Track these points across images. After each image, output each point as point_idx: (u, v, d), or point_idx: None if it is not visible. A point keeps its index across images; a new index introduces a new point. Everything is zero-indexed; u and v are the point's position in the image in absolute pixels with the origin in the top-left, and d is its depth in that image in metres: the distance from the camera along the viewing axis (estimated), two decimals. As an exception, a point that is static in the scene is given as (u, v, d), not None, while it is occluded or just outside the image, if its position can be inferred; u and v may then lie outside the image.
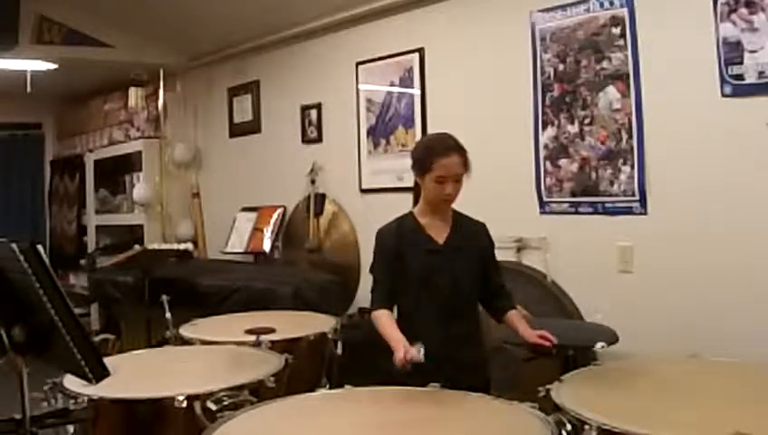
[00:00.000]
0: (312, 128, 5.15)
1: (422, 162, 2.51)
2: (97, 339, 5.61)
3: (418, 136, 4.34)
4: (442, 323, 2.46)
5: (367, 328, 4.26)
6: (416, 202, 2.63)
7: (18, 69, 5.61)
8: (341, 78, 4.84)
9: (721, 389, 2.05)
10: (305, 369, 2.81)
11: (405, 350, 2.18)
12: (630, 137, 3.32)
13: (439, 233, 2.56)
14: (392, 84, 4.51)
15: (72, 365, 1.72)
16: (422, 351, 2.16)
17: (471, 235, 2.61)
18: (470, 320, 2.58)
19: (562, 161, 3.60)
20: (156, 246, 5.59)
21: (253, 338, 2.81)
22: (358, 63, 4.71)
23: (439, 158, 2.46)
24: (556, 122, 3.62)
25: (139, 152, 6.34)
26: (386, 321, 2.41)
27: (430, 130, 4.29)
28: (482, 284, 2.58)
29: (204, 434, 1.86)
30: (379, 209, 4.65)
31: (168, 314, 3.26)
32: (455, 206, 2.61)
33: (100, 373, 1.72)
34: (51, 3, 5.49)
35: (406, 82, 4.42)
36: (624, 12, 3.31)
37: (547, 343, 2.40)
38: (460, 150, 2.50)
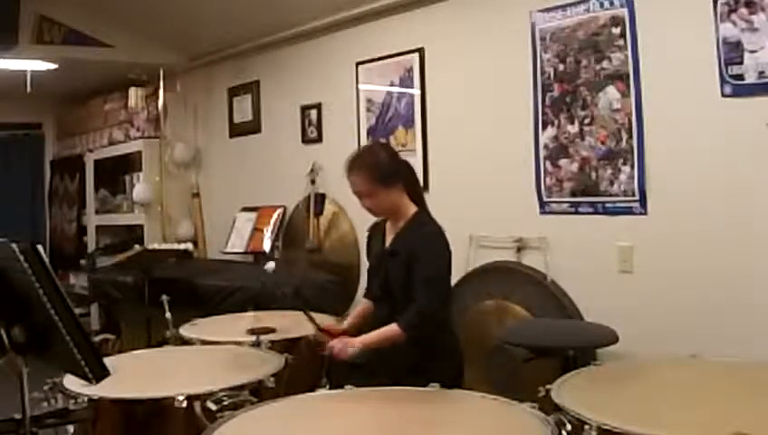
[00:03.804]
0: (311, 128, 5.15)
1: None
2: (97, 339, 5.61)
3: (418, 136, 4.34)
4: (380, 321, 2.60)
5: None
6: None
7: (18, 69, 5.60)
8: (341, 78, 4.83)
9: (721, 389, 2.05)
10: (305, 369, 2.80)
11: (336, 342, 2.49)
12: (630, 137, 3.32)
13: (390, 237, 2.73)
14: (392, 84, 4.51)
15: (72, 365, 1.71)
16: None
17: (409, 241, 2.62)
18: (394, 313, 2.58)
19: (562, 161, 3.60)
20: (156, 246, 5.60)
21: (253, 338, 2.81)
22: (358, 63, 4.71)
23: (346, 174, 2.66)
24: (556, 122, 3.62)
25: (139, 152, 6.34)
26: (355, 312, 2.80)
27: (430, 130, 4.29)
28: (406, 288, 2.57)
29: (204, 434, 1.86)
30: (379, 209, 4.67)
31: (168, 314, 3.26)
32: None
33: (100, 373, 1.72)
34: (51, 3, 5.49)
35: (406, 82, 4.42)
36: (624, 12, 3.31)
37: (324, 341, 2.59)
38: (359, 170, 2.60)
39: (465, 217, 3.83)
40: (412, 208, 2.69)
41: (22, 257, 1.65)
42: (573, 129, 3.54)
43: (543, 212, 3.70)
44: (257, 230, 5.43)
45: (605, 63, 3.40)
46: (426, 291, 2.51)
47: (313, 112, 5.12)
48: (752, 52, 2.88)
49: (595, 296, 3.45)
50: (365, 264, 4.72)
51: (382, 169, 2.62)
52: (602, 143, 3.43)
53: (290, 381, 2.41)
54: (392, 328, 2.49)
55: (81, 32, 5.62)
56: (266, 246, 5.32)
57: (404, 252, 2.60)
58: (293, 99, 5.25)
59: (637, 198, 3.31)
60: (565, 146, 3.58)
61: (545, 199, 3.69)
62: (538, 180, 3.71)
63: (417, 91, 4.35)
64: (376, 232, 2.85)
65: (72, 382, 2.12)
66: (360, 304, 2.87)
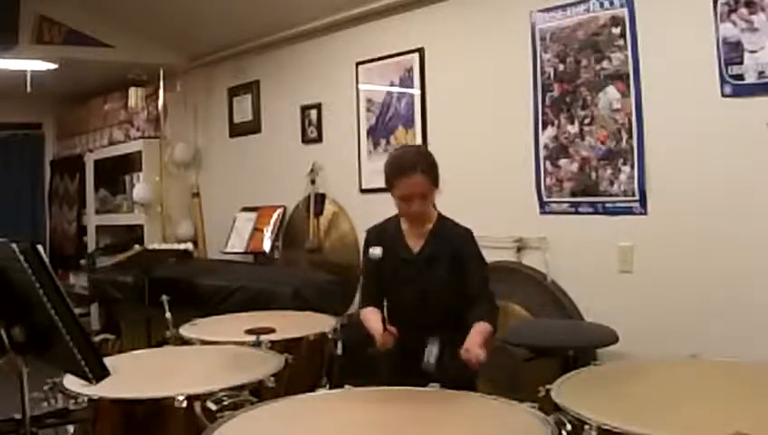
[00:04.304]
0: (311, 128, 5.15)
1: (387, 179, 2.52)
2: (97, 339, 5.61)
3: (418, 136, 4.34)
4: (411, 330, 2.37)
5: (367, 328, 4.27)
6: None
7: (18, 69, 5.60)
8: (341, 78, 4.84)
9: (721, 389, 2.05)
10: (305, 369, 2.81)
11: (382, 335, 2.29)
12: (630, 137, 3.32)
13: (416, 241, 2.57)
14: (392, 84, 4.51)
15: (71, 365, 1.71)
16: (433, 351, 2.22)
17: (448, 243, 2.55)
18: (442, 330, 2.38)
19: (562, 161, 3.60)
20: (156, 246, 5.60)
21: (253, 338, 2.81)
22: (358, 63, 4.71)
23: (399, 177, 2.45)
24: (556, 122, 3.62)
25: (139, 152, 6.34)
26: (370, 315, 2.48)
27: (430, 130, 4.29)
28: (458, 292, 2.51)
29: (204, 434, 1.86)
30: (379, 209, 4.64)
31: (168, 314, 3.26)
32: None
33: (100, 373, 1.72)
34: (51, 3, 5.49)
35: (406, 82, 4.42)
36: (624, 12, 3.31)
37: (471, 362, 2.26)
38: (424, 170, 2.46)
39: (465, 217, 3.81)
40: (434, 211, 2.63)
41: (22, 257, 1.65)
42: (573, 129, 3.54)
43: (543, 212, 3.70)
44: (257, 230, 5.43)
45: (605, 63, 3.40)
46: (488, 289, 2.53)
47: (313, 112, 5.12)
48: (752, 52, 2.88)
49: (595, 296, 3.45)
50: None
51: (438, 170, 2.55)
52: (602, 143, 3.43)
53: (290, 381, 2.40)
54: (486, 326, 2.39)
55: (81, 32, 5.62)
56: (266, 246, 5.32)
57: (446, 255, 2.52)
58: (293, 99, 5.25)
59: (637, 198, 3.31)
60: (565, 146, 3.58)
61: (545, 199, 3.69)
62: (538, 180, 3.71)
63: (417, 91, 4.36)
64: (386, 238, 2.59)
65: (72, 382, 2.12)
66: (369, 312, 2.51)
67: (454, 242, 2.56)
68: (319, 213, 5.04)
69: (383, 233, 2.62)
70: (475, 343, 2.29)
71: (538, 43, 3.67)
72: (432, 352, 2.23)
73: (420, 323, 2.41)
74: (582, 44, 3.48)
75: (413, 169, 2.45)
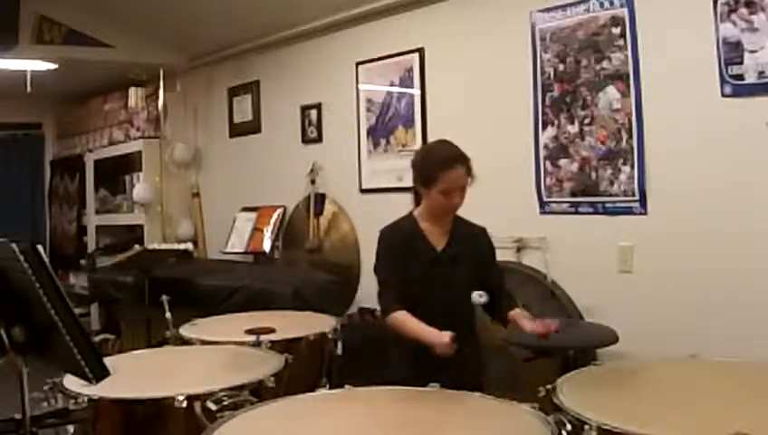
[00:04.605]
0: (311, 128, 5.15)
1: (426, 175, 2.48)
2: (97, 339, 5.61)
3: (418, 136, 4.34)
4: (447, 323, 2.38)
5: (367, 328, 4.28)
6: (416, 204, 2.62)
7: (18, 69, 5.60)
8: (341, 78, 4.84)
9: (721, 389, 2.05)
10: (305, 369, 2.80)
11: (447, 335, 2.23)
12: (630, 137, 3.32)
13: (438, 239, 2.55)
14: (392, 84, 4.51)
15: (72, 365, 1.71)
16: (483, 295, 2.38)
17: (469, 240, 2.58)
18: (467, 326, 2.53)
19: (562, 161, 3.60)
20: (156, 246, 5.60)
21: (253, 338, 2.81)
22: (358, 63, 4.71)
23: (445, 171, 2.44)
24: (556, 122, 3.62)
25: (139, 152, 6.34)
26: (410, 319, 2.38)
27: (430, 130, 4.29)
28: (481, 289, 2.52)
29: (204, 434, 1.86)
30: (379, 209, 4.64)
31: (168, 314, 3.26)
32: None
33: (100, 373, 1.72)
34: (51, 3, 5.49)
35: (406, 82, 4.42)
36: (624, 12, 3.31)
37: (551, 329, 2.39)
38: (464, 160, 2.47)
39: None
40: None
41: (22, 257, 1.65)
42: (573, 129, 3.54)
43: (543, 212, 3.70)
44: (257, 230, 5.43)
45: (605, 63, 3.40)
46: (505, 284, 2.65)
47: (313, 112, 5.12)
48: (752, 52, 2.88)
49: (595, 296, 3.45)
50: (365, 264, 4.77)
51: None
52: (602, 143, 3.43)
53: (290, 381, 2.40)
54: (518, 311, 2.56)
55: (81, 32, 5.62)
56: (266, 246, 5.32)
57: (469, 253, 2.55)
58: (293, 99, 5.25)
59: (637, 198, 3.31)
60: (565, 146, 3.58)
61: (545, 199, 3.69)
62: (538, 180, 3.71)
63: (417, 91, 4.36)
64: (405, 238, 2.54)
65: (72, 382, 2.12)
66: (406, 315, 2.41)
67: (475, 240, 2.61)
68: (319, 213, 5.04)
69: (401, 233, 2.56)
70: (530, 323, 2.45)
71: (538, 43, 3.68)
72: (482, 295, 2.40)
73: (447, 322, 2.40)
74: (582, 44, 3.48)
75: (458, 162, 2.46)
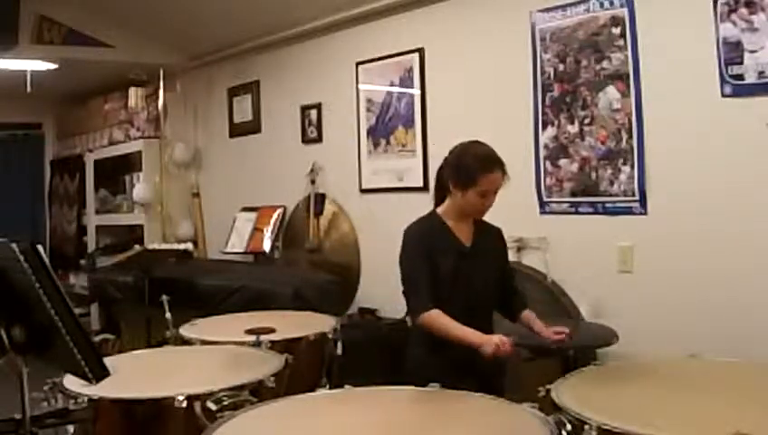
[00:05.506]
0: (311, 128, 5.15)
1: (467, 176, 2.49)
2: (97, 339, 5.61)
3: (418, 136, 4.34)
4: (465, 323, 2.41)
5: (367, 328, 4.28)
6: (437, 202, 2.64)
7: (18, 69, 5.60)
8: (341, 78, 4.84)
9: (721, 389, 2.05)
10: (305, 369, 2.80)
11: (497, 337, 2.29)
12: (630, 137, 3.32)
13: (465, 236, 2.60)
14: (392, 84, 4.51)
15: (72, 365, 1.71)
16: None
17: (491, 238, 2.66)
18: (490, 321, 2.62)
19: (562, 161, 3.60)
20: (156, 246, 5.60)
21: (253, 338, 2.81)
22: (358, 63, 4.71)
23: (486, 173, 2.47)
24: (556, 122, 3.62)
25: (139, 152, 6.34)
26: (449, 319, 2.38)
27: (430, 130, 4.29)
28: (498, 286, 2.63)
29: (204, 434, 1.86)
30: (379, 209, 4.66)
31: (168, 314, 3.26)
32: None
33: (100, 373, 1.72)
34: (51, 3, 5.49)
35: (406, 82, 4.42)
36: (624, 12, 3.31)
37: (563, 337, 2.47)
38: (502, 163, 2.53)
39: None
40: None
41: (22, 257, 1.65)
42: (573, 129, 3.54)
43: (543, 212, 3.70)
44: (257, 230, 5.43)
45: (605, 63, 3.40)
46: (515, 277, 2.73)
47: (313, 112, 5.12)
48: (752, 52, 2.88)
49: (595, 296, 3.45)
50: (365, 264, 4.77)
51: None
52: (602, 143, 3.43)
53: (290, 381, 2.40)
54: (531, 313, 2.63)
55: (81, 32, 5.62)
56: (266, 246, 5.32)
57: (491, 249, 2.63)
58: (293, 99, 5.25)
59: (637, 198, 3.31)
60: (565, 146, 3.58)
61: (545, 199, 3.69)
62: (538, 180, 3.71)
63: (417, 91, 4.36)
64: (434, 236, 2.55)
65: (72, 382, 2.12)
66: (443, 316, 2.40)
67: (494, 238, 2.69)
68: (319, 213, 5.04)
69: (431, 229, 2.57)
70: (545, 328, 2.54)
71: (538, 43, 3.68)
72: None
73: (476, 317, 2.45)
74: (582, 44, 3.48)
75: (498, 165, 2.49)
